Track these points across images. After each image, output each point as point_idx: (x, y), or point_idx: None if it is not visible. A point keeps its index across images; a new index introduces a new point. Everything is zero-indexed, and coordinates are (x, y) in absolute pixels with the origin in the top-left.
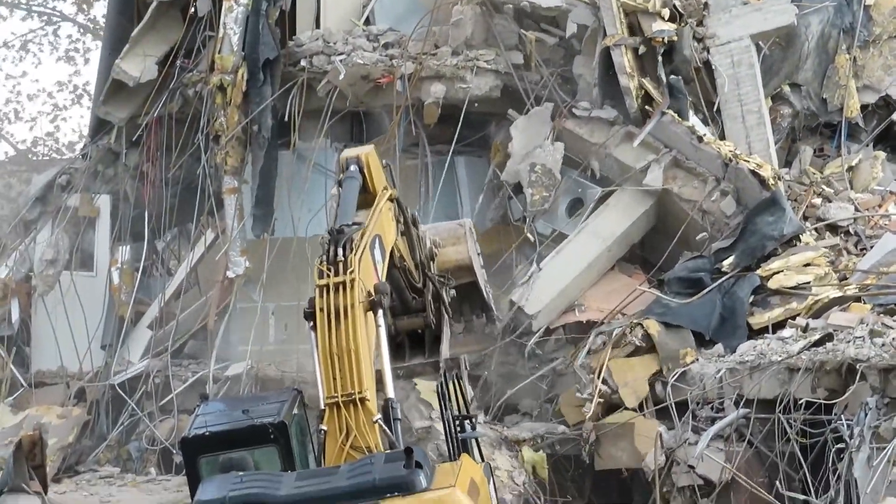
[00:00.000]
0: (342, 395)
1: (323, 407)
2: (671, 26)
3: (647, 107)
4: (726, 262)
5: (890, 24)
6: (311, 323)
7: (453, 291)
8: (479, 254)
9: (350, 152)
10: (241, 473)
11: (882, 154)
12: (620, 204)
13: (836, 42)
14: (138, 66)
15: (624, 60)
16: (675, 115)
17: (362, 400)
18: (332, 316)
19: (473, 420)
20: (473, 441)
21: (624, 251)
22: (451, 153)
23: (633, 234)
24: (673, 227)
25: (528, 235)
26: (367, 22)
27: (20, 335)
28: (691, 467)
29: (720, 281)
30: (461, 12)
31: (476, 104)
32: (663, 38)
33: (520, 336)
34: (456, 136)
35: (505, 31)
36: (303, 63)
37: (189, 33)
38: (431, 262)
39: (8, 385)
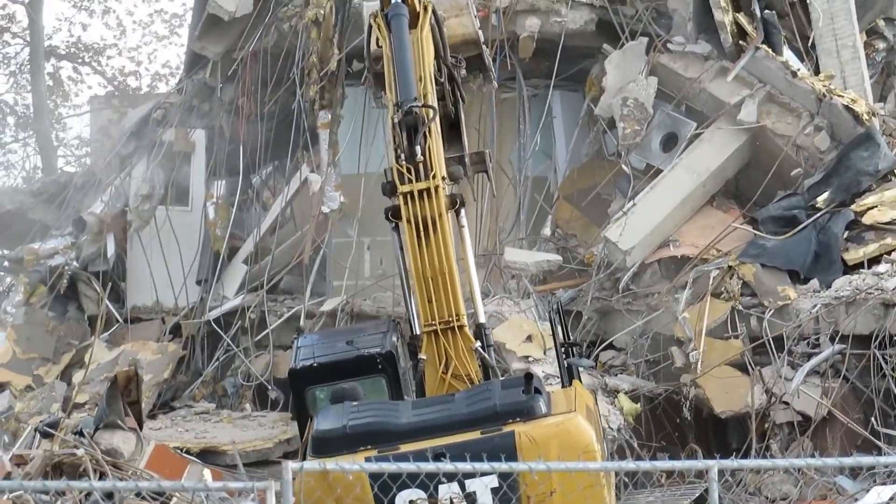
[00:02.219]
0: (440, 323)
1: (420, 334)
2: None
3: (741, 42)
4: (821, 199)
5: None
6: (393, 224)
7: (464, 71)
8: (475, 16)
9: None
10: (356, 403)
11: None
12: (715, 139)
13: None
14: (233, 0)
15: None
16: (769, 51)
17: (460, 327)
18: (421, 229)
19: (579, 347)
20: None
21: (718, 187)
22: (548, 87)
23: (727, 170)
24: (767, 163)
25: (623, 168)
26: None
27: (115, 270)
28: (787, 403)
29: (815, 217)
30: None
31: (571, 38)
32: None
33: (614, 272)
34: (553, 71)
35: None
36: None
37: None
38: (441, 41)
39: (104, 321)
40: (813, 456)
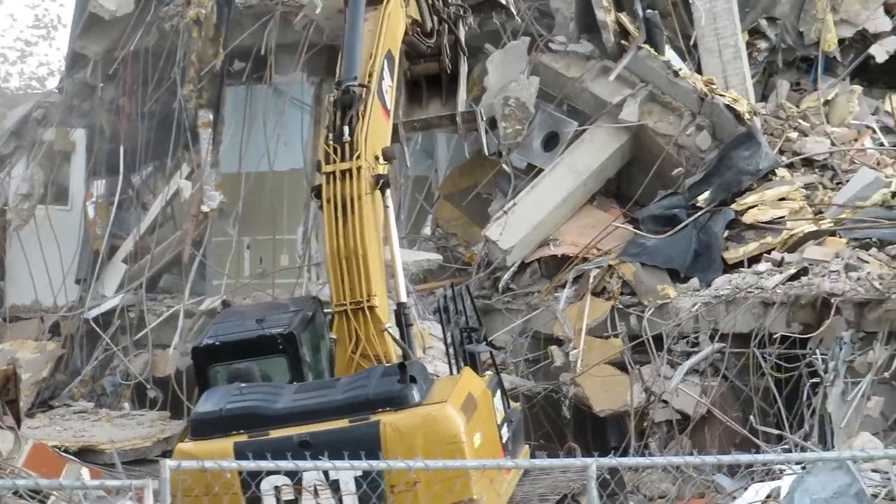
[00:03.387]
0: (350, 303)
1: (331, 313)
2: None
3: (623, 41)
4: (701, 198)
5: None
6: (319, 203)
7: (471, 19)
8: None
9: None
10: (243, 385)
11: (858, 88)
12: (596, 138)
13: None
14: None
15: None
16: (651, 50)
17: (371, 307)
18: (339, 209)
19: (478, 333)
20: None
21: (599, 186)
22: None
23: (608, 169)
24: (648, 162)
25: (504, 167)
26: None
27: None
28: (665, 402)
29: (695, 216)
30: None
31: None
32: None
33: (494, 271)
34: None
35: None
36: None
37: None
38: None
39: None
40: (692, 454)
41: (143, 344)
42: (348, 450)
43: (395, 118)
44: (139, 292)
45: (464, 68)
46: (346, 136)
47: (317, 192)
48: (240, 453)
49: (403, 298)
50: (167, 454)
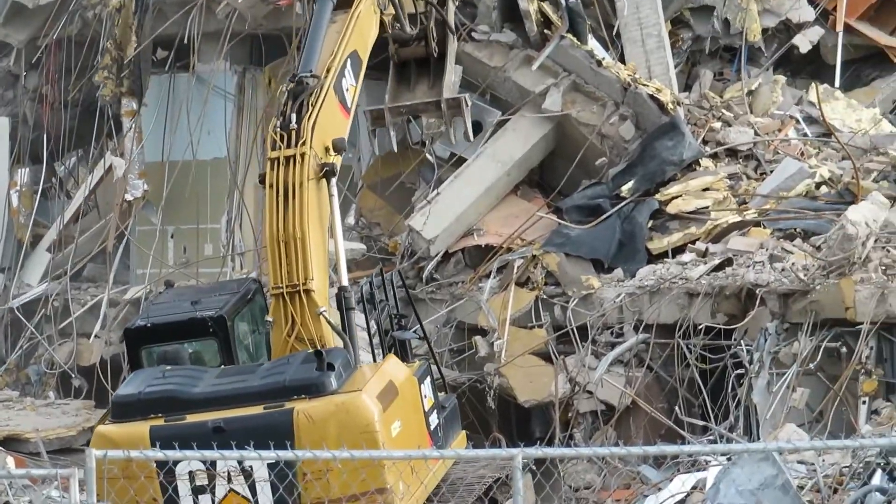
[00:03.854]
0: (287, 286)
1: (269, 296)
2: None
3: (546, 31)
4: (625, 188)
5: None
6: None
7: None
8: None
9: None
10: (167, 368)
11: (782, 78)
12: (519, 128)
13: None
14: None
15: None
16: (574, 39)
17: (307, 291)
18: (281, 195)
19: (407, 320)
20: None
21: (523, 176)
22: None
23: (532, 159)
24: (572, 152)
25: (428, 156)
26: None
27: None
28: (590, 392)
29: (619, 207)
30: None
31: None
32: None
33: (418, 261)
34: None
35: None
36: None
37: None
38: None
39: None
40: (617, 445)
41: (67, 333)
42: (262, 437)
43: (382, 103)
44: (63, 281)
45: (452, 48)
46: (293, 124)
47: (262, 179)
48: (155, 437)
49: (345, 282)
50: None
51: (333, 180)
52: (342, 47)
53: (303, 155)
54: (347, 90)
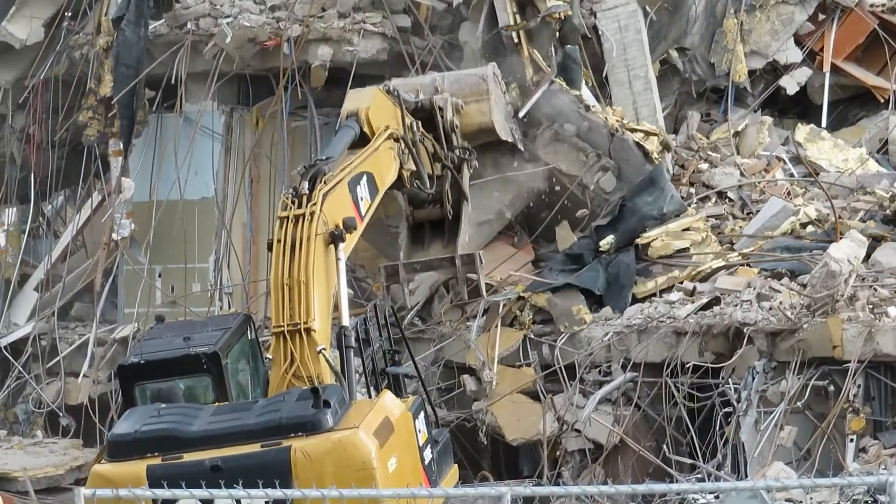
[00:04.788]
0: (288, 325)
1: (269, 337)
2: (564, 8)
3: (535, 77)
4: (604, 242)
5: None
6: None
7: (476, 162)
8: (504, 92)
9: (352, 104)
10: (162, 406)
11: (768, 119)
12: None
13: (723, 6)
14: (25, 28)
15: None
16: (563, 84)
17: (307, 330)
18: (288, 247)
19: (398, 355)
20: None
21: (506, 223)
22: (339, 116)
23: (515, 207)
24: (554, 200)
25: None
26: None
27: None
28: (578, 431)
29: (600, 257)
30: None
31: (363, 67)
32: (558, 14)
33: (399, 309)
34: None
35: None
36: (189, 25)
37: None
38: (453, 134)
39: None
40: (605, 483)
41: (55, 372)
42: (259, 475)
43: (396, 259)
44: (51, 320)
45: (466, 211)
46: (305, 190)
47: (270, 244)
48: (153, 477)
49: (346, 322)
50: (80, 482)
51: (342, 245)
52: (360, 161)
53: (312, 213)
54: (362, 199)
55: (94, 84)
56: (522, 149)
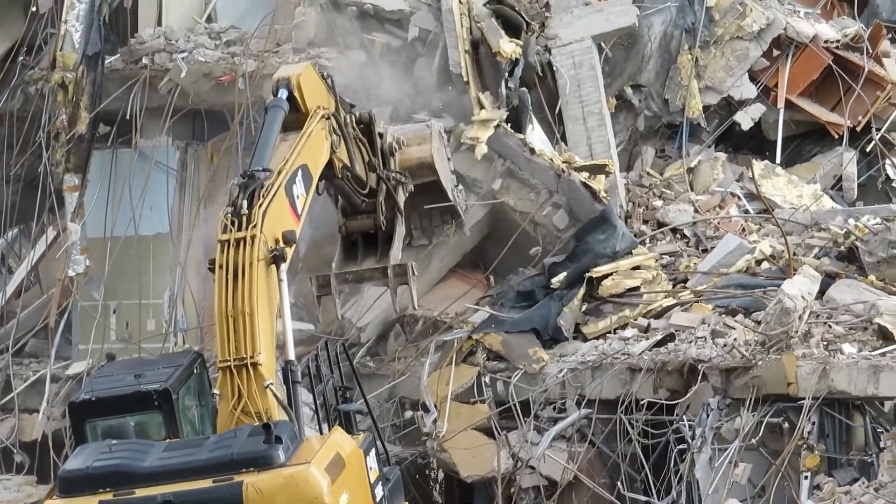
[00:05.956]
0: (234, 359)
1: (216, 371)
2: (516, 48)
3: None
4: (555, 280)
5: (731, 25)
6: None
7: (411, 187)
8: (449, 158)
9: (283, 72)
10: (113, 442)
11: (723, 155)
12: None
13: (678, 42)
14: None
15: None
16: (507, 127)
17: (254, 364)
18: (231, 274)
19: (350, 392)
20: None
21: (457, 260)
22: None
23: (465, 244)
24: (506, 237)
25: None
26: (209, 19)
27: None
28: (533, 468)
29: (552, 294)
30: (304, 13)
31: None
32: (510, 55)
33: (351, 346)
34: None
35: (347, 32)
36: (144, 61)
37: (31, 30)
38: (391, 158)
39: None
40: None
41: (9, 408)
42: None
43: (328, 270)
44: (5, 356)
45: (400, 229)
46: (244, 210)
47: (211, 264)
48: None
49: (292, 357)
50: None
51: (284, 266)
52: (294, 155)
53: (253, 237)
54: (298, 197)
55: (62, 121)
56: (462, 215)
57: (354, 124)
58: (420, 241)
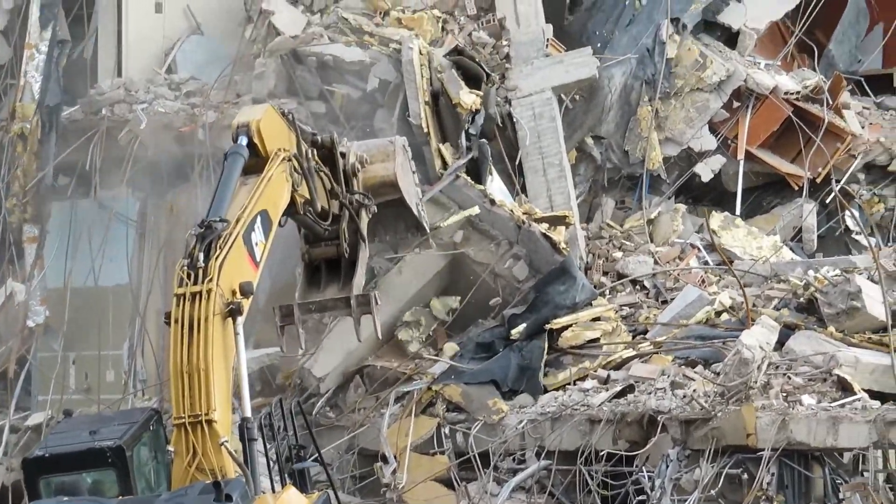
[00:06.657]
0: (189, 416)
1: (171, 427)
2: (477, 99)
3: (442, 170)
4: (515, 331)
5: (691, 77)
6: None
7: (375, 208)
8: (413, 172)
9: (243, 117)
10: (64, 500)
11: (683, 207)
12: (414, 263)
13: (638, 94)
14: None
15: (423, 127)
16: (468, 178)
17: (209, 421)
18: (186, 329)
19: (303, 450)
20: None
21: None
22: None
23: (426, 295)
24: (466, 288)
25: None
26: (169, 70)
27: None
28: None
29: (511, 345)
30: (264, 64)
31: None
32: (470, 106)
33: (310, 397)
34: None
35: (307, 83)
36: (104, 111)
37: None
38: (354, 178)
39: None
40: None
41: None
42: None
43: (292, 300)
44: None
45: (363, 255)
46: (201, 262)
47: (167, 317)
48: None
49: (248, 414)
50: None
51: (240, 319)
52: (253, 201)
53: (209, 291)
54: (257, 244)
55: (19, 172)
56: (427, 229)
57: (316, 152)
58: (387, 253)
